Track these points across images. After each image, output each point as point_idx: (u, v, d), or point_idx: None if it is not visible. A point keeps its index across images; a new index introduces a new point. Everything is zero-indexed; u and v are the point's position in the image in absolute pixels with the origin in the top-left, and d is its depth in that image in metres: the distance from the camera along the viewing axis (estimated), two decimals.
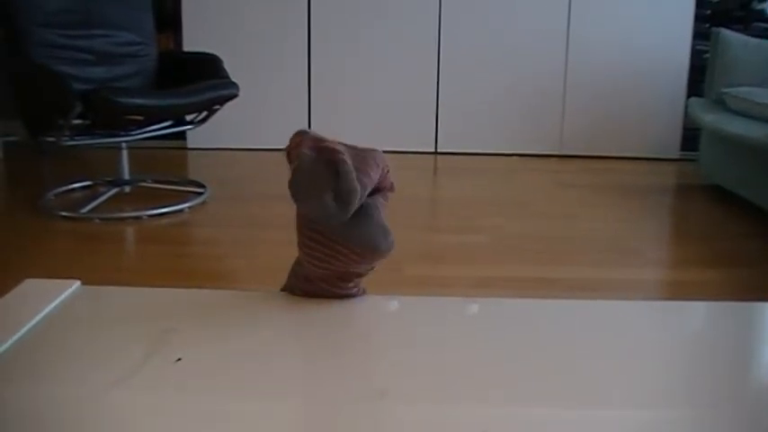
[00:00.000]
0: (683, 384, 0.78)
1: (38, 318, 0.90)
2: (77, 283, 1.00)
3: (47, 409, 0.71)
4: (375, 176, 0.95)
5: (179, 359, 0.80)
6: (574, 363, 0.82)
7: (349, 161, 0.87)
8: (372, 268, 0.97)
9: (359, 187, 0.87)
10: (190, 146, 4.63)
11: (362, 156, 0.94)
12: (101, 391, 0.74)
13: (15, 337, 0.85)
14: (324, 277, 0.96)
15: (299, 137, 0.93)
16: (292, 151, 0.92)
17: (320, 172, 0.87)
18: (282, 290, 1.01)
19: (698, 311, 0.99)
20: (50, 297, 0.95)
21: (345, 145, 0.94)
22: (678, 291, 2.51)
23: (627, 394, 0.75)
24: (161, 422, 0.70)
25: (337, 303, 0.98)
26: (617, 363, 0.82)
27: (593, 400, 0.74)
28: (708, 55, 3.96)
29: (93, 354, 0.82)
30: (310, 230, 0.93)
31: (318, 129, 4.65)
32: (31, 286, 1.00)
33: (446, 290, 2.43)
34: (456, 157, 4.53)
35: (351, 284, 0.98)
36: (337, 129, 4.54)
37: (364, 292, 1.01)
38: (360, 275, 0.98)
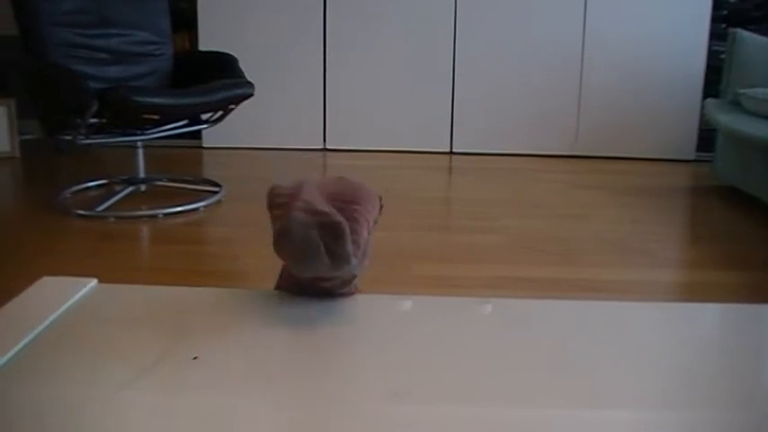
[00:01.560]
0: (697, 386, 0.78)
1: (55, 315, 0.91)
2: (94, 281, 1.01)
3: (63, 408, 0.72)
4: (369, 224, 0.94)
5: (195, 357, 0.81)
6: (586, 364, 0.82)
7: (344, 223, 0.87)
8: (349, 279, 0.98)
9: (351, 255, 0.88)
10: (205, 145, 4.65)
11: (356, 201, 0.94)
12: (117, 389, 0.75)
13: (34, 334, 0.86)
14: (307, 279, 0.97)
15: (285, 194, 0.93)
16: (277, 209, 0.93)
17: (314, 237, 0.87)
18: (276, 288, 1.03)
19: (712, 314, 1.00)
20: (68, 295, 0.96)
21: (337, 181, 0.94)
22: (692, 293, 2.50)
23: (641, 396, 0.75)
24: (177, 421, 0.70)
25: (351, 303, 0.98)
26: (630, 364, 0.82)
27: (606, 402, 0.74)
28: (724, 56, 3.94)
29: (110, 352, 0.83)
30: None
31: (333, 129, 4.61)
32: (48, 284, 1.01)
33: (458, 290, 2.43)
34: (471, 157, 4.53)
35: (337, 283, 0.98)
36: (352, 128, 4.55)
37: (356, 289, 1.02)
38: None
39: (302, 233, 0.86)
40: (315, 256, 0.87)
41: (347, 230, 0.87)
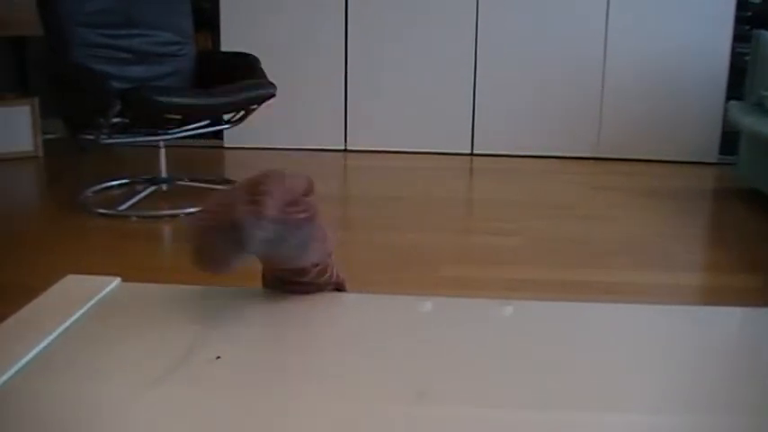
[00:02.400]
0: (718, 390, 0.77)
1: (80, 313, 0.92)
2: (117, 280, 1.02)
3: (88, 406, 0.72)
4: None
5: (218, 357, 0.81)
6: (607, 367, 0.82)
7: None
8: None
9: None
10: (227, 145, 4.66)
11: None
12: (141, 387, 0.75)
13: (59, 331, 0.86)
14: (281, 275, 0.98)
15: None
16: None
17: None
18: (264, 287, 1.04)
19: (734, 317, 0.99)
20: (92, 293, 0.97)
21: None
22: (714, 296, 2.48)
23: (661, 400, 0.75)
24: (201, 419, 0.71)
25: (373, 304, 0.98)
26: (651, 368, 0.82)
27: (627, 406, 0.74)
28: (748, 57, 3.91)
29: (133, 350, 0.84)
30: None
31: (355, 129, 4.60)
32: (73, 282, 1.02)
33: (479, 292, 2.43)
34: (492, 158, 4.52)
35: (313, 275, 0.98)
36: (374, 130, 4.55)
37: (338, 278, 1.02)
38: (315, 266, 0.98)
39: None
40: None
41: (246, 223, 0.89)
